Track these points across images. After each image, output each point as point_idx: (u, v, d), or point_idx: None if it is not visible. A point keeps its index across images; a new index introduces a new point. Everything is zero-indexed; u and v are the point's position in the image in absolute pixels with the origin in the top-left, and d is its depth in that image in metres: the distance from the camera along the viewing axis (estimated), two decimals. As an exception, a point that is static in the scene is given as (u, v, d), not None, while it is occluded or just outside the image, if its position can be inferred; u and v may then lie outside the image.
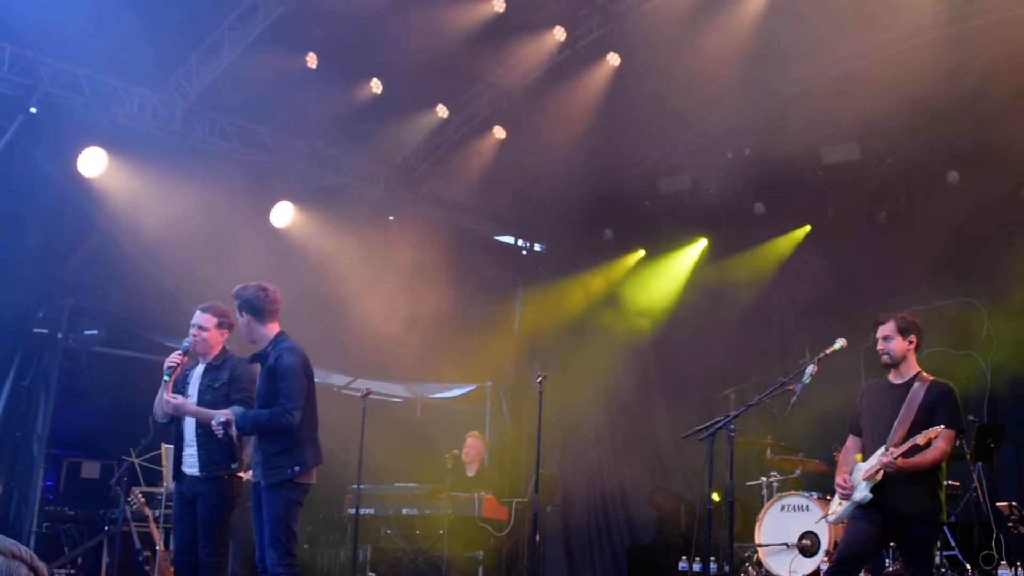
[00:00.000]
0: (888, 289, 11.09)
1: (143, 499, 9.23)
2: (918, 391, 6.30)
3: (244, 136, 11.52)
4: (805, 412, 8.35)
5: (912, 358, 6.45)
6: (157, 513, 9.19)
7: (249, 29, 10.45)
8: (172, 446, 7.23)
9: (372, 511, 10.75)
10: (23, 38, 9.76)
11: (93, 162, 10.34)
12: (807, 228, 12.64)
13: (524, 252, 14.82)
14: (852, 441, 6.60)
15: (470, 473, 11.19)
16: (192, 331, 6.98)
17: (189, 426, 6.90)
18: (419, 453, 11.61)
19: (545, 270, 14.69)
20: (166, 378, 6.83)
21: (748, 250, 12.92)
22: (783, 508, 9.47)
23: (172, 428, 7.11)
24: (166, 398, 6.76)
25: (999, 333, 10.88)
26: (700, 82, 11.14)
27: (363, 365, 12.37)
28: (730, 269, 12.97)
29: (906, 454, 6.11)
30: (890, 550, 8.65)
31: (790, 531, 9.29)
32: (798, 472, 10.04)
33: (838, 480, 6.40)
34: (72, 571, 9.90)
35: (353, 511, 9.26)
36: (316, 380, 6.94)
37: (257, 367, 6.80)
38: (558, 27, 11.25)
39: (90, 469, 10.62)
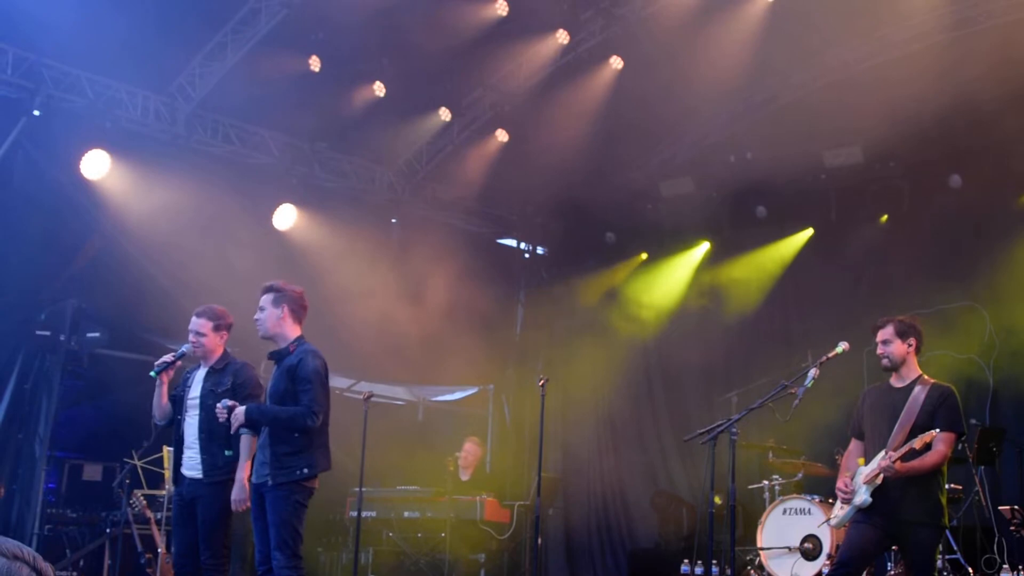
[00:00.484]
0: (890, 292, 11.09)
1: (145, 501, 9.24)
2: (919, 394, 6.29)
3: (246, 139, 11.53)
4: (807, 416, 8.33)
5: (913, 361, 6.44)
6: (159, 515, 9.19)
7: (252, 32, 10.48)
8: (173, 448, 7.23)
9: (374, 514, 10.76)
10: (26, 41, 9.78)
11: (96, 164, 10.36)
12: (809, 231, 12.64)
13: (526, 255, 14.83)
14: (854, 445, 6.60)
15: (464, 477, 11.17)
16: (191, 338, 6.97)
17: (190, 429, 6.90)
18: (421, 456, 11.61)
19: (547, 273, 14.70)
20: (153, 374, 6.84)
21: (750, 253, 12.92)
22: (785, 511, 9.45)
23: (172, 430, 7.11)
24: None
25: (1001, 336, 10.86)
26: (702, 85, 11.14)
27: (365, 368, 12.37)
28: (732, 272, 12.96)
29: (905, 458, 6.10)
30: (892, 554, 8.64)
31: (792, 534, 9.28)
32: (800, 476, 10.03)
33: (839, 484, 6.39)
34: (74, 573, 9.91)
35: (355, 514, 9.26)
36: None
37: (257, 371, 6.80)
38: (561, 30, 11.27)
39: (92, 471, 10.63)
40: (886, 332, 6.44)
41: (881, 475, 6.14)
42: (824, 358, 6.55)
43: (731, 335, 12.59)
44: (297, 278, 7.00)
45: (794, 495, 9.63)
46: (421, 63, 11.18)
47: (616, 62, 11.53)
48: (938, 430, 6.12)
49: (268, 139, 11.67)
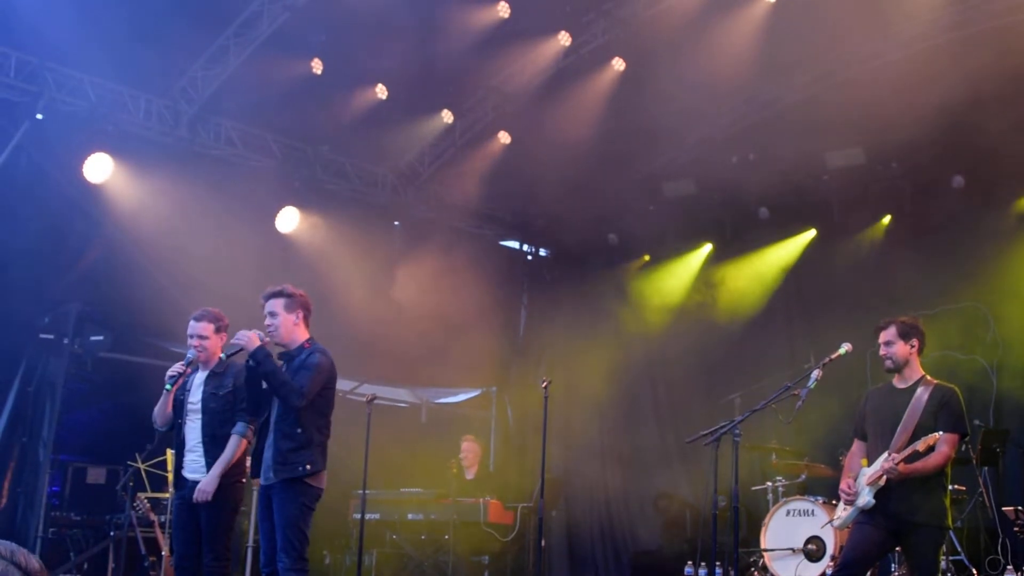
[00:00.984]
0: (893, 293, 11.08)
1: (148, 504, 9.24)
2: (922, 395, 6.29)
3: (249, 142, 11.54)
4: (810, 417, 8.33)
5: (915, 362, 6.43)
6: (162, 518, 9.19)
7: (254, 35, 10.49)
8: (174, 451, 7.23)
9: (378, 516, 10.77)
10: (29, 44, 9.80)
11: (99, 168, 10.37)
12: (812, 232, 12.64)
13: (529, 257, 14.84)
14: (857, 446, 6.59)
15: (469, 476, 11.19)
16: (193, 342, 6.96)
17: (192, 433, 6.90)
18: (424, 458, 11.62)
19: (550, 275, 14.70)
20: (167, 387, 6.83)
21: (752, 254, 12.93)
22: (788, 513, 9.45)
23: (173, 434, 7.11)
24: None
25: (1005, 337, 10.86)
26: (704, 86, 11.14)
27: (368, 370, 12.38)
28: (735, 273, 12.97)
29: (907, 459, 6.10)
30: (896, 555, 8.63)
31: (796, 536, 9.27)
32: (803, 477, 10.02)
33: (842, 486, 6.38)
34: (77, 576, 9.92)
35: (359, 516, 9.26)
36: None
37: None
38: (563, 32, 11.28)
39: (96, 474, 10.63)
40: (888, 333, 6.43)
41: (884, 477, 6.14)
42: (827, 359, 6.56)
43: (734, 336, 12.59)
44: (300, 281, 7.01)
45: (797, 497, 9.62)
46: (423, 65, 11.18)
47: (618, 64, 11.53)
48: (941, 432, 6.12)
49: (270, 142, 11.68)
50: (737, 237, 13.08)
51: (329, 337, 7.04)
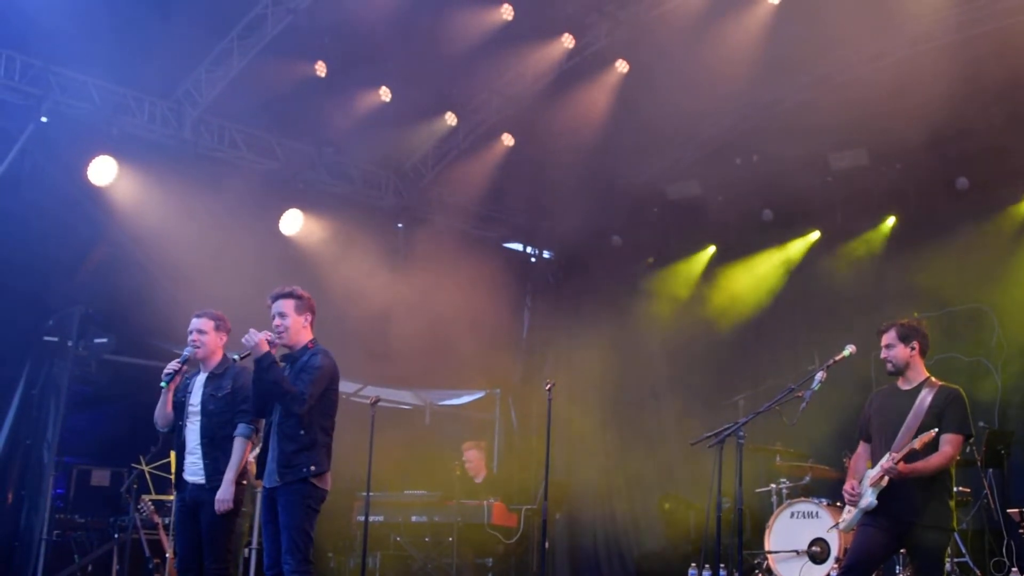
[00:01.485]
0: (897, 294, 11.06)
1: (153, 507, 9.26)
2: (926, 396, 6.27)
3: (253, 144, 11.55)
4: (814, 419, 8.30)
5: (918, 363, 6.42)
6: (167, 521, 9.21)
7: (258, 37, 10.50)
8: (176, 454, 7.23)
9: (381, 518, 10.77)
10: (33, 47, 9.82)
11: (103, 171, 10.39)
12: (816, 234, 12.63)
13: (533, 259, 14.84)
14: (862, 448, 6.58)
15: (478, 480, 11.20)
16: (192, 337, 6.94)
17: (191, 435, 6.89)
18: (428, 460, 11.62)
19: (554, 277, 14.70)
20: (163, 385, 6.82)
21: (756, 256, 12.92)
22: (792, 515, 9.45)
23: (174, 436, 7.11)
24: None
25: (1009, 338, 10.84)
26: (708, 88, 11.13)
27: (372, 372, 12.39)
28: (739, 275, 12.96)
29: (908, 458, 6.08)
30: (900, 557, 8.62)
31: (800, 538, 9.27)
32: (807, 479, 10.01)
33: (846, 487, 6.37)
34: (82, 578, 9.93)
35: (362, 518, 9.26)
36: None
37: None
38: (566, 34, 11.28)
39: (100, 477, 10.65)
40: (889, 336, 6.42)
41: (886, 477, 6.13)
42: (831, 361, 6.54)
43: (737, 338, 12.59)
44: (304, 283, 7.00)
45: (802, 498, 9.62)
46: (427, 68, 11.19)
47: (622, 66, 11.53)
48: (938, 430, 6.10)
49: (274, 144, 11.69)
50: (741, 239, 13.07)
51: (332, 339, 7.03)
